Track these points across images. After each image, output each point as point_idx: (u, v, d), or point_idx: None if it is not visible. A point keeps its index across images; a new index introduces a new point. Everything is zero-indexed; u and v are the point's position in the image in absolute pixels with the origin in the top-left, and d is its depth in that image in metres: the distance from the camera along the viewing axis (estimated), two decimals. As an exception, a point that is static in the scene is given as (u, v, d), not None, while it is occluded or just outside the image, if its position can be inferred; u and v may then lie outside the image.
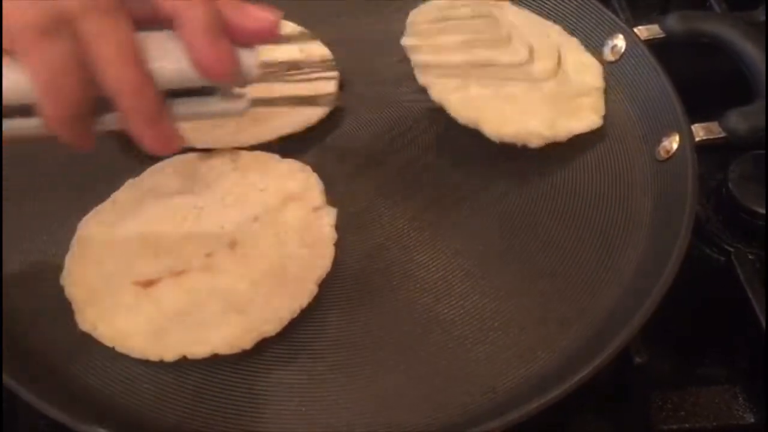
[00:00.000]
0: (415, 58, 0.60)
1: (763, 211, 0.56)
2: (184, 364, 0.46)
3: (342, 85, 0.60)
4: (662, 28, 0.63)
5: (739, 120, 0.56)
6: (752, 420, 0.51)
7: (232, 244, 0.51)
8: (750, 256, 0.55)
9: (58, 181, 0.56)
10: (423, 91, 0.59)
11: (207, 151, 0.56)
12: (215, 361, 0.47)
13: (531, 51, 0.60)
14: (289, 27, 0.61)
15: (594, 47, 0.63)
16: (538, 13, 0.66)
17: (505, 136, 0.57)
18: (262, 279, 0.49)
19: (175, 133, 0.42)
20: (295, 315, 0.48)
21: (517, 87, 0.59)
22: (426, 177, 0.57)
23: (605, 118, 0.59)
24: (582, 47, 0.63)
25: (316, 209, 0.53)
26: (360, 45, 0.63)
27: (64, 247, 0.51)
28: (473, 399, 0.46)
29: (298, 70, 0.58)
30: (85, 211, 0.53)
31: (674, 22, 0.63)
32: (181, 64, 0.41)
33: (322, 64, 0.60)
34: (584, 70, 0.61)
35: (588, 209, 0.55)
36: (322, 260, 0.50)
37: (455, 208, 0.55)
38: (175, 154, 0.51)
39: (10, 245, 0.52)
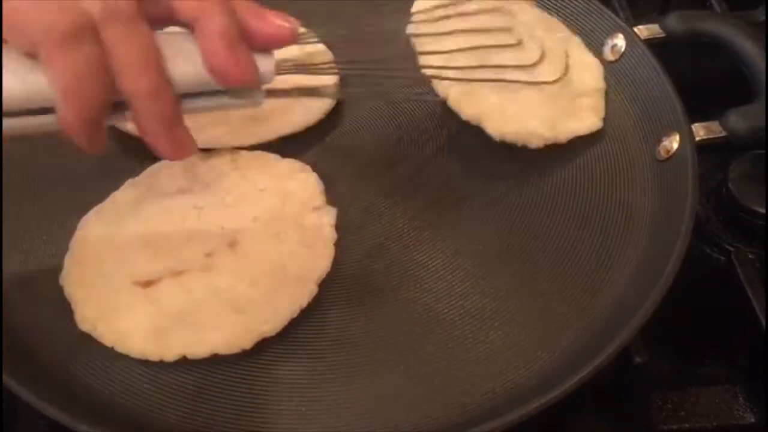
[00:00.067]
0: (420, 46, 0.59)
1: (763, 211, 0.56)
2: (184, 364, 0.47)
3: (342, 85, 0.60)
4: (662, 27, 0.63)
5: (739, 119, 0.57)
6: (752, 420, 0.51)
7: (232, 244, 0.51)
8: (750, 256, 0.55)
9: (58, 181, 0.56)
10: (425, 87, 0.58)
11: (207, 151, 0.56)
12: (215, 361, 0.47)
13: (543, 54, 0.60)
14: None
15: (594, 47, 0.63)
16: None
17: (506, 135, 0.57)
18: (262, 279, 0.49)
19: (189, 139, 0.43)
20: (295, 315, 0.48)
21: (519, 85, 0.59)
22: (426, 177, 0.57)
23: (605, 118, 0.59)
24: (584, 47, 0.63)
25: (316, 209, 0.53)
26: (360, 45, 0.63)
27: (64, 247, 0.51)
28: (473, 399, 0.46)
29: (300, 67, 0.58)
30: (84, 211, 0.53)
31: (674, 21, 0.63)
32: (199, 67, 0.41)
33: (323, 65, 0.60)
34: (585, 70, 0.61)
35: (588, 209, 0.55)
36: (322, 260, 0.50)
37: (455, 208, 0.55)
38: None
39: (10, 245, 0.52)
